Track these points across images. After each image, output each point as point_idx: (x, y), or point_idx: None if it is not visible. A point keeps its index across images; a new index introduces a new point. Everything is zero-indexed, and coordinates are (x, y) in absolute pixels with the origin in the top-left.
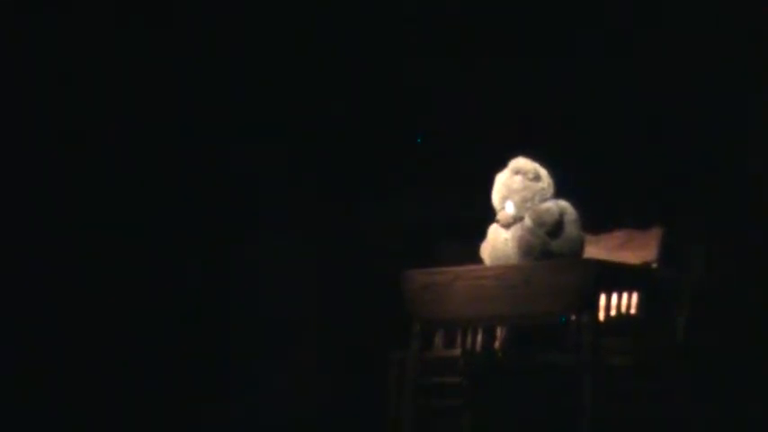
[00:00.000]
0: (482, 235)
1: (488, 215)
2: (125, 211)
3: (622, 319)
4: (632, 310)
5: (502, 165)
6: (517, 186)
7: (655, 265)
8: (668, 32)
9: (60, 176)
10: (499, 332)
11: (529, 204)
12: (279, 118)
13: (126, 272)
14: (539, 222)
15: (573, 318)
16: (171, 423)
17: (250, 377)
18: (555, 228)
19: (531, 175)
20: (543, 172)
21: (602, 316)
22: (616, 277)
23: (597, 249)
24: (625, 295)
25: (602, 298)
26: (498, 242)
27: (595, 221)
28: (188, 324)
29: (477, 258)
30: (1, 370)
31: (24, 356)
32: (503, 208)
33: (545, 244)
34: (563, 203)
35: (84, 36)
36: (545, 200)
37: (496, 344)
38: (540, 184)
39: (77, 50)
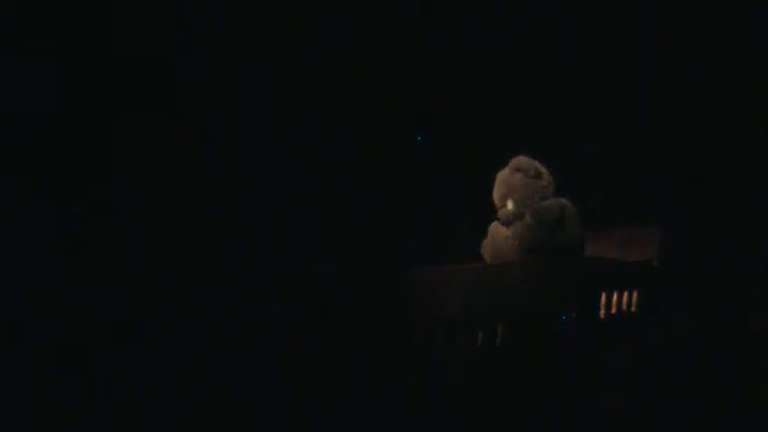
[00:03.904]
0: (483, 233)
1: (489, 213)
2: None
3: (623, 316)
4: (632, 308)
5: (503, 163)
6: (518, 184)
7: (655, 263)
8: (668, 32)
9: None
10: (500, 329)
11: (529, 202)
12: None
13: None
14: (539, 220)
15: (573, 315)
16: (168, 422)
17: (248, 377)
18: (555, 225)
19: (531, 173)
20: (543, 170)
21: (602, 313)
22: (616, 275)
23: (598, 247)
24: (625, 293)
25: (603, 296)
26: (499, 240)
27: (596, 219)
28: (186, 325)
29: (478, 256)
30: None
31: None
32: (503, 206)
33: (545, 242)
34: (563, 201)
35: None
36: (545, 198)
37: (497, 341)
38: (541, 182)
39: None
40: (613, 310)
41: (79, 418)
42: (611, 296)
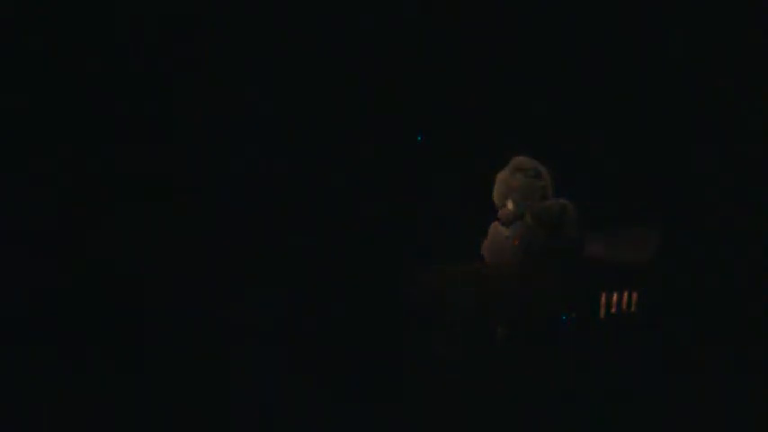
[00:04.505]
0: (483, 233)
1: (489, 213)
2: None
3: (623, 316)
4: (632, 308)
5: (503, 163)
6: (518, 184)
7: (655, 263)
8: (667, 31)
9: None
10: (500, 330)
11: (529, 202)
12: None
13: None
14: (539, 220)
15: (573, 315)
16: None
17: (248, 378)
18: (555, 226)
19: (531, 173)
20: (543, 170)
21: (602, 313)
22: (616, 275)
23: (598, 247)
24: (625, 293)
25: (603, 296)
26: (499, 240)
27: (596, 220)
28: (187, 326)
29: (478, 256)
30: None
31: None
32: (503, 206)
33: (545, 242)
34: (563, 201)
35: None
36: (546, 198)
37: (497, 341)
38: (541, 182)
39: None
40: (613, 310)
41: (79, 418)
42: (611, 296)
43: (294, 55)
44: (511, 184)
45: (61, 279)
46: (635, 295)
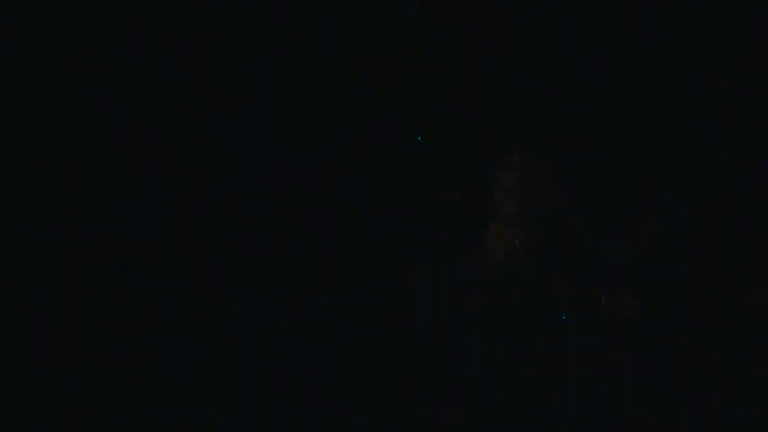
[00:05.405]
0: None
1: (489, 213)
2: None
3: (622, 316)
4: (632, 308)
5: (503, 162)
6: (518, 184)
7: (653, 262)
8: (667, 31)
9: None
10: (500, 330)
11: (528, 202)
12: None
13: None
14: (537, 219)
15: (573, 315)
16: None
17: (250, 378)
18: (554, 225)
19: (531, 173)
20: (543, 170)
21: (602, 313)
22: (616, 275)
23: (597, 247)
24: (625, 293)
25: (603, 296)
26: (499, 240)
27: (596, 218)
28: (189, 326)
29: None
30: None
31: None
32: (504, 206)
33: (545, 242)
34: (564, 202)
35: None
36: (546, 197)
37: (497, 342)
38: (540, 182)
39: None
40: (613, 310)
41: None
42: (611, 296)
43: (294, 55)
44: (511, 184)
45: (60, 279)
46: (635, 295)
